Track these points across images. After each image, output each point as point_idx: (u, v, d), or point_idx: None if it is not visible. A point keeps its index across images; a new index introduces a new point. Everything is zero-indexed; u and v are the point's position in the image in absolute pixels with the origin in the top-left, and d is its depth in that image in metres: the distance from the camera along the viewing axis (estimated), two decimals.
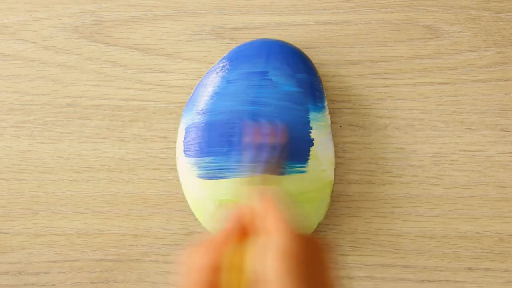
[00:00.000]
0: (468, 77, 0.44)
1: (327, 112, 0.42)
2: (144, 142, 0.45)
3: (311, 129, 0.40)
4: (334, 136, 0.44)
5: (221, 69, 0.42)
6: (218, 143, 0.40)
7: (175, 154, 0.44)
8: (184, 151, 0.41)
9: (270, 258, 0.23)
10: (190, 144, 0.41)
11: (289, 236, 0.24)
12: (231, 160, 0.40)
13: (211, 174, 0.40)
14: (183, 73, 0.45)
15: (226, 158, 0.40)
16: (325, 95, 0.42)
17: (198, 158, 0.41)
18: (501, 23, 0.45)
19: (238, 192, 0.40)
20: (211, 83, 0.41)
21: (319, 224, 0.42)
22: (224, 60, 0.42)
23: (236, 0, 0.45)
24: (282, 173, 0.39)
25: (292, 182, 0.40)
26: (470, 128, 0.44)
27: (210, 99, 0.41)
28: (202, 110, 0.41)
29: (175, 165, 0.44)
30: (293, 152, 0.40)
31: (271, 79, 0.41)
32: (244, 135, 0.38)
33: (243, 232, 0.26)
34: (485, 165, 0.44)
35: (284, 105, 0.40)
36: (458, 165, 0.44)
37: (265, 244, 0.24)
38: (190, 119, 0.41)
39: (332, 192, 0.42)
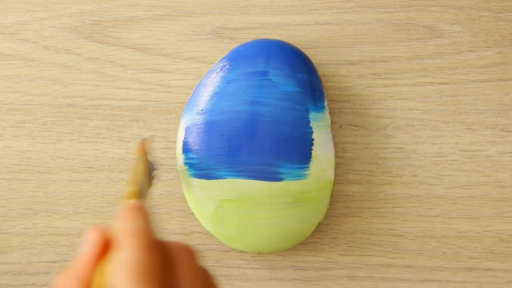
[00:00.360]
0: (468, 77, 0.44)
1: (327, 112, 0.42)
2: None
3: (311, 129, 0.41)
4: (334, 136, 0.44)
5: (221, 69, 0.42)
6: (218, 143, 0.40)
7: (175, 154, 0.44)
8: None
9: (119, 273, 0.23)
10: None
11: (138, 247, 0.24)
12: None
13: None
14: (183, 73, 0.45)
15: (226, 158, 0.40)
16: (325, 95, 0.42)
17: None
18: (501, 23, 0.45)
19: (238, 191, 0.40)
20: (211, 83, 0.41)
21: (319, 224, 0.42)
22: (224, 60, 0.42)
23: (236, 0, 0.45)
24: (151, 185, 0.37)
25: (292, 182, 0.40)
26: (470, 128, 0.44)
27: (210, 99, 0.41)
28: (202, 110, 0.41)
29: (175, 165, 0.44)
30: (294, 152, 0.40)
31: (271, 79, 0.41)
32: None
33: (103, 251, 0.26)
34: (485, 165, 0.44)
35: (284, 105, 0.40)
36: (458, 165, 0.44)
37: (116, 259, 0.24)
38: (190, 119, 0.41)
39: (332, 192, 0.42)
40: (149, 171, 0.34)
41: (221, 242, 0.44)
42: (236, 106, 0.40)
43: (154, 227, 0.26)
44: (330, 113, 0.43)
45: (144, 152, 0.35)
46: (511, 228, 0.44)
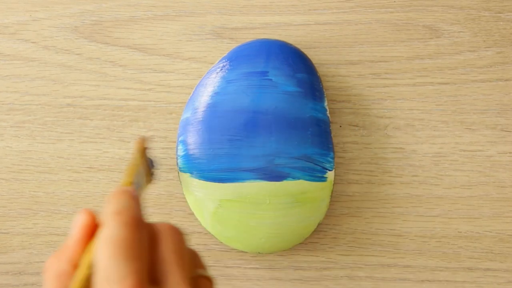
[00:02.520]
0: (468, 77, 0.44)
1: (327, 112, 0.42)
2: None
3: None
4: (334, 136, 0.44)
5: (221, 69, 0.42)
6: (218, 144, 0.40)
7: (175, 154, 0.44)
8: None
9: (101, 248, 0.24)
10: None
11: (120, 224, 0.24)
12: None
13: None
14: (183, 73, 0.45)
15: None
16: (325, 95, 0.42)
17: None
18: (501, 23, 0.45)
19: (238, 191, 0.40)
20: (211, 83, 0.41)
21: (319, 224, 0.42)
22: (224, 60, 0.42)
23: (236, 0, 0.45)
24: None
25: (292, 182, 0.40)
26: (470, 128, 0.44)
27: (210, 99, 0.41)
28: (202, 110, 0.41)
29: (175, 165, 0.44)
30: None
31: (271, 79, 0.41)
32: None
33: (91, 233, 0.26)
34: (485, 165, 0.44)
35: (284, 105, 0.40)
36: (458, 165, 0.44)
37: (99, 236, 0.25)
38: (190, 119, 0.41)
39: (332, 192, 0.42)
40: (148, 168, 0.34)
41: (221, 242, 0.44)
42: (236, 106, 0.40)
43: (140, 209, 0.26)
44: (330, 113, 0.43)
45: (142, 148, 0.35)
46: (511, 228, 0.44)
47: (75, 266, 0.25)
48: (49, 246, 0.45)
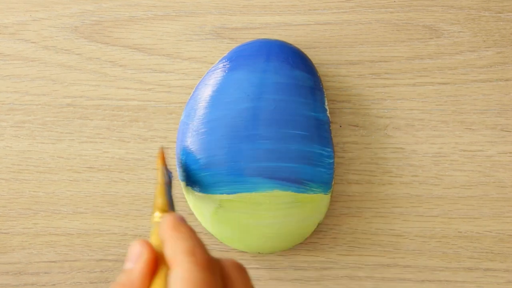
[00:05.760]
0: (468, 77, 0.44)
1: (327, 112, 0.42)
2: (144, 142, 0.45)
3: None
4: (334, 136, 0.44)
5: (221, 69, 0.42)
6: (219, 144, 0.40)
7: (175, 154, 0.44)
8: None
9: None
10: None
11: (193, 266, 0.24)
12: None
13: None
14: (183, 73, 0.45)
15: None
16: (325, 95, 0.42)
17: None
18: (501, 23, 0.45)
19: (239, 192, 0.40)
20: (211, 83, 0.41)
21: (319, 224, 0.42)
22: (224, 60, 0.42)
23: (236, 0, 0.45)
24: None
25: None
26: (470, 128, 0.44)
27: (210, 99, 0.41)
28: (202, 110, 0.41)
29: (175, 165, 0.44)
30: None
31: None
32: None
33: (153, 267, 0.26)
34: (485, 165, 0.44)
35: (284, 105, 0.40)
36: (458, 165, 0.44)
37: (173, 277, 0.24)
38: (190, 120, 0.41)
39: (332, 192, 0.42)
40: (168, 179, 0.34)
41: (221, 242, 0.44)
42: (236, 106, 0.40)
43: (203, 243, 0.26)
44: (330, 113, 0.43)
45: (164, 161, 0.35)
46: (511, 228, 0.44)
47: None
48: (49, 246, 0.45)
